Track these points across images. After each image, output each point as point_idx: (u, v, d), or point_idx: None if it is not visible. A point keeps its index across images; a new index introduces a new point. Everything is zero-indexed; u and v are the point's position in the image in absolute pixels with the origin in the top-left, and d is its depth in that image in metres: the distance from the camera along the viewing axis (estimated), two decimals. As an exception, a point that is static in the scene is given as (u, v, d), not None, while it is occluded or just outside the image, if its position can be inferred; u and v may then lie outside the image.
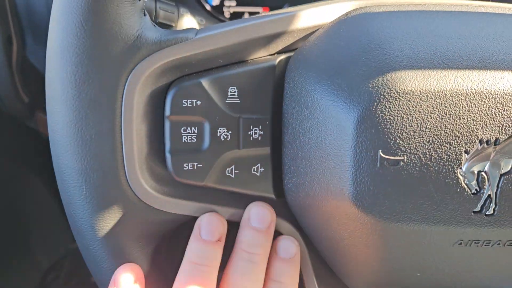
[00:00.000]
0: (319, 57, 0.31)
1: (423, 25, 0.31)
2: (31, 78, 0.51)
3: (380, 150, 0.28)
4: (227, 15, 0.59)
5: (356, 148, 0.28)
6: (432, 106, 0.28)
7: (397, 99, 0.28)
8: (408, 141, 0.28)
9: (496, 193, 0.28)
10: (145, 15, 0.31)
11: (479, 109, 0.28)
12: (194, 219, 0.34)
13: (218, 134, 0.32)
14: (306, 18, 0.33)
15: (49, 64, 0.30)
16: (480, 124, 0.28)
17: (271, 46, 0.33)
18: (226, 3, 0.59)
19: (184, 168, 0.32)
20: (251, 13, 0.59)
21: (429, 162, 0.28)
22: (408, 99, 0.28)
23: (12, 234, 0.64)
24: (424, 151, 0.28)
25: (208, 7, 0.59)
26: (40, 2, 0.52)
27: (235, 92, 0.32)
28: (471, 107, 0.28)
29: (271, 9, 0.58)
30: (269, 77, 0.32)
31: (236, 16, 0.59)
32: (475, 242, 0.30)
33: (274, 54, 0.33)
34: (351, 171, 0.29)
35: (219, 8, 0.59)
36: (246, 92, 0.32)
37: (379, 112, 0.28)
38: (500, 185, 0.28)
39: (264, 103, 0.32)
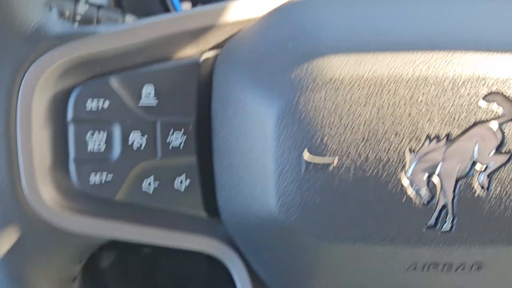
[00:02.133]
0: (243, 49, 0.27)
1: (368, 8, 0.27)
2: None
3: (305, 151, 0.23)
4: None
5: (277, 150, 0.23)
6: (366, 95, 0.23)
7: (323, 89, 0.23)
8: (338, 139, 0.23)
9: (452, 201, 0.23)
10: (50, 9, 0.28)
11: (425, 97, 0.23)
12: (111, 242, 0.29)
13: (130, 142, 0.28)
14: (237, 11, 0.29)
15: None
16: (427, 116, 0.23)
17: (200, 42, 0.29)
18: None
19: (91, 182, 0.27)
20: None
21: (365, 165, 0.23)
22: (336, 87, 0.23)
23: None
24: (359, 151, 0.23)
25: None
26: None
27: (151, 91, 0.28)
28: (414, 95, 0.23)
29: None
30: (193, 75, 0.28)
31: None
32: (433, 266, 0.24)
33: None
34: (273, 178, 0.24)
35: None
36: (165, 92, 0.28)
37: (302, 105, 0.23)
38: (457, 192, 0.23)
39: (187, 105, 0.28)
